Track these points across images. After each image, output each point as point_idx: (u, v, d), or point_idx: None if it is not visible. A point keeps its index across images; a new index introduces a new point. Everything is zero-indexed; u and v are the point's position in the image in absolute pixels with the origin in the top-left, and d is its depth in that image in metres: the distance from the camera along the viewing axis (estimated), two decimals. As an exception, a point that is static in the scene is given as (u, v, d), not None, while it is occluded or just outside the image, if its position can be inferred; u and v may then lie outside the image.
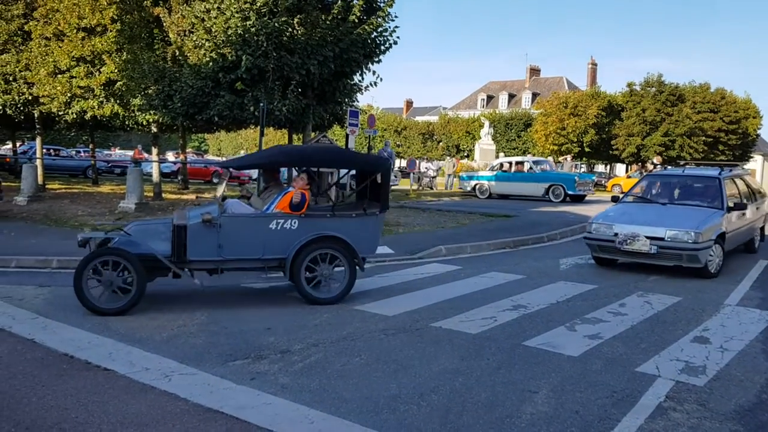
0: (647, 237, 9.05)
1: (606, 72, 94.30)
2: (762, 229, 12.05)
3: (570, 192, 22.88)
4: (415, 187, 29.10)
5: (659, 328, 6.55)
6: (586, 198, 23.69)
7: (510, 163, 25.56)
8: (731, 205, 9.85)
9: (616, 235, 9.36)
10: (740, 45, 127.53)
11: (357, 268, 7.31)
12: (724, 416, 4.39)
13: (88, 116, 19.55)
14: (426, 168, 32.39)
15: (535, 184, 23.74)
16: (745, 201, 10.66)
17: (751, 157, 43.11)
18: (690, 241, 8.82)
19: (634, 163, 40.12)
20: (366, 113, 28.82)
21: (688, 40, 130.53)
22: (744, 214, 10.44)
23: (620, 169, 52.63)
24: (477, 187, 25.50)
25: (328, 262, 7.21)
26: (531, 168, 24.38)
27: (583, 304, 7.56)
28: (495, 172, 25.52)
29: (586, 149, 39.40)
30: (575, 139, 38.83)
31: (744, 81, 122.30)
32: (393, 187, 28.92)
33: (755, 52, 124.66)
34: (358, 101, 18.72)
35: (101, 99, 18.87)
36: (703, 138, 36.52)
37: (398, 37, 15.63)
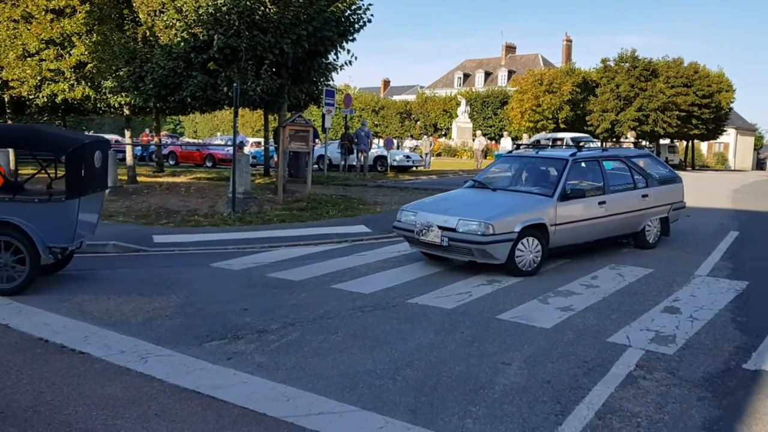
0: (440, 227, 7.79)
1: (581, 49, 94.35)
2: (665, 219, 9.84)
3: None
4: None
5: (630, 299, 6.68)
6: None
7: (549, 140, 23.21)
8: (568, 192, 8.22)
9: (415, 224, 8.18)
10: (714, 19, 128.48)
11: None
12: (693, 383, 4.51)
13: (59, 100, 19.19)
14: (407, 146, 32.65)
15: None
16: (611, 186, 8.93)
17: (724, 131, 43.64)
18: (479, 233, 7.47)
19: (608, 139, 40.43)
20: (343, 93, 28.70)
21: (663, 16, 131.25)
22: (603, 202, 8.68)
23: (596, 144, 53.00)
24: None
25: (6, 250, 6.52)
26: (569, 146, 20.87)
27: (556, 277, 7.69)
28: None
29: (562, 126, 39.53)
30: (550, 116, 38.96)
31: (717, 55, 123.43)
32: (417, 168, 28.21)
33: (728, 25, 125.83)
34: (333, 81, 18.63)
35: (72, 82, 18.54)
36: (677, 112, 36.78)
37: (372, 15, 15.50)
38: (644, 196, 9.39)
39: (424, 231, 7.97)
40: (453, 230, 7.69)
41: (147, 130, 37.35)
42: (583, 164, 9.08)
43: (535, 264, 7.83)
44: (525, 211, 7.92)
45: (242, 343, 5.27)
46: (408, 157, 28.42)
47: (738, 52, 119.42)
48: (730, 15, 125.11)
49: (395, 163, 27.32)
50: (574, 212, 8.32)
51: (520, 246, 7.67)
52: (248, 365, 4.75)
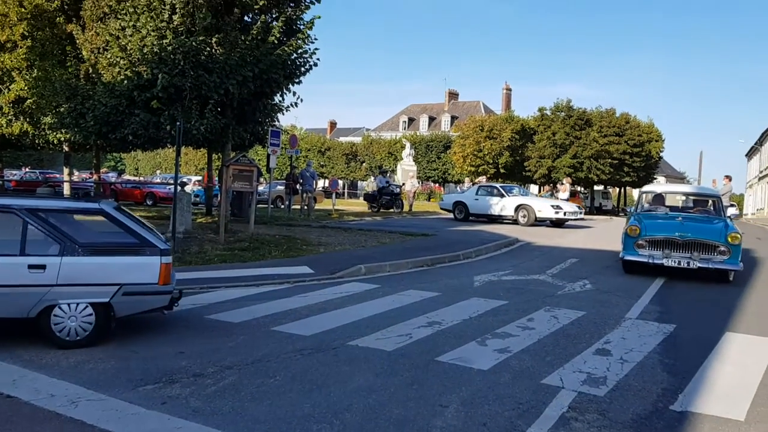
0: None
1: (520, 97, 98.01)
2: (107, 307, 6.42)
3: (722, 266, 11.05)
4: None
5: (564, 341, 6.86)
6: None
7: (678, 194, 15.45)
8: None
9: None
10: (646, 72, 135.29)
11: None
12: (622, 425, 4.64)
13: (-5, 134, 18.73)
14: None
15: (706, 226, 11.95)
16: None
17: (655, 178, 45.55)
18: None
19: (545, 184, 41.70)
20: (288, 133, 28.82)
21: (597, 68, 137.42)
22: None
23: (533, 189, 54.55)
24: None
25: None
26: (686, 204, 14.62)
27: (494, 319, 7.82)
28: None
29: (502, 171, 40.67)
30: (491, 161, 40.04)
31: (647, 105, 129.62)
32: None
33: (660, 78, 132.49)
34: (279, 121, 18.71)
35: (10, 117, 18.14)
36: (610, 160, 38.32)
37: (318, 59, 15.76)
38: (36, 266, 6.21)
39: None
40: None
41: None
42: None
43: None
44: None
45: (177, 387, 5.17)
46: (558, 207, 21.08)
47: (668, 104, 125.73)
48: (661, 68, 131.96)
49: (539, 215, 20.84)
50: None
51: None
52: (183, 410, 4.66)
